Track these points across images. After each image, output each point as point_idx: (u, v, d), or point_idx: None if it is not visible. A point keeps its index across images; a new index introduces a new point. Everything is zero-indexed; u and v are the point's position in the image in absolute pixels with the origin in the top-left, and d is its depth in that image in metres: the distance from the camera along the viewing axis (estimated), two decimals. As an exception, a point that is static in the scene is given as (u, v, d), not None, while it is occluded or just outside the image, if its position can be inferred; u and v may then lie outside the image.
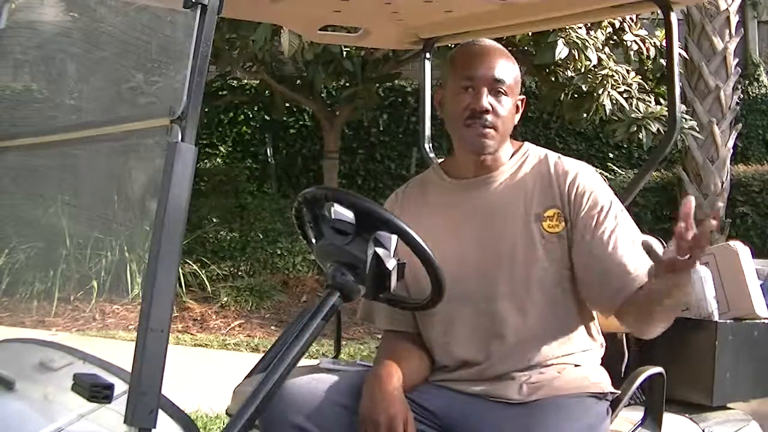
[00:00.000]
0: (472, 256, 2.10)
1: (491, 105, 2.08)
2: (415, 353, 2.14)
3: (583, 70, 7.15)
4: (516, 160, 2.17)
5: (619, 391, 2.12)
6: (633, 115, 7.16)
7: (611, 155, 11.03)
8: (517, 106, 2.16)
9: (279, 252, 8.20)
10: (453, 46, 3.12)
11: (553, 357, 2.07)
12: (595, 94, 7.19)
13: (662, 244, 2.45)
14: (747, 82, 11.77)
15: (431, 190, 2.24)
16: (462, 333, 2.09)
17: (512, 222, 2.09)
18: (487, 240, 2.10)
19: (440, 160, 2.33)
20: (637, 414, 2.21)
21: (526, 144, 2.22)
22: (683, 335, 2.54)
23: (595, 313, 2.16)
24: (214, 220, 8.45)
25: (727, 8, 9.87)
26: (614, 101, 7.18)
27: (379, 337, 2.36)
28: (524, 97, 2.20)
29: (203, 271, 7.68)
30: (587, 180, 2.11)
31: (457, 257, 2.08)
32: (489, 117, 2.08)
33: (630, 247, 2.04)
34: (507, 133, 2.15)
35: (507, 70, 2.12)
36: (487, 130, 2.09)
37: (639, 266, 2.00)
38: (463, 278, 2.07)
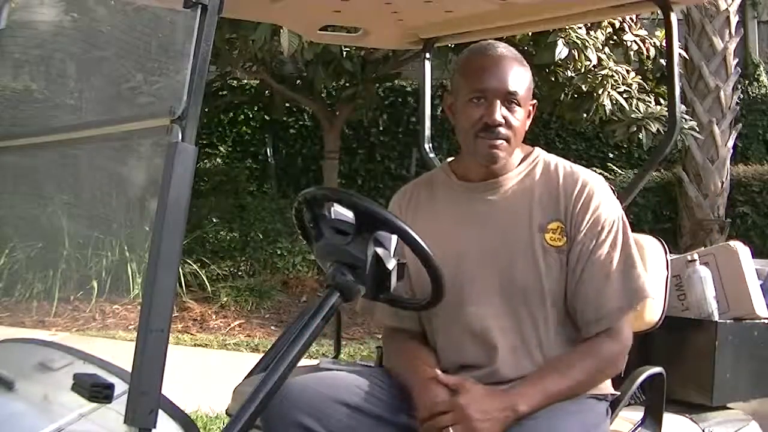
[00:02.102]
0: (473, 260, 2.09)
1: (504, 117, 2.05)
2: (426, 351, 2.13)
3: (583, 70, 7.15)
4: (525, 166, 2.15)
5: (619, 392, 2.12)
6: (633, 116, 7.17)
7: (611, 155, 11.03)
8: (529, 112, 2.13)
9: (279, 252, 8.20)
10: (453, 46, 3.12)
11: None
12: (595, 94, 7.19)
13: (662, 244, 2.46)
14: (747, 82, 11.78)
15: (440, 190, 2.22)
16: (462, 338, 2.09)
17: (515, 229, 2.08)
18: (489, 245, 2.09)
19: (449, 160, 2.30)
20: (637, 414, 2.20)
21: (537, 149, 2.19)
22: (683, 335, 2.54)
23: None
24: (214, 220, 8.45)
25: (727, 8, 9.88)
26: (614, 101, 7.19)
27: (380, 337, 2.36)
28: (535, 101, 2.17)
29: (203, 271, 7.68)
30: (593, 195, 2.08)
31: (459, 260, 2.08)
32: (502, 130, 2.06)
33: (618, 280, 2.04)
34: (518, 141, 2.12)
35: (520, 79, 2.08)
36: (500, 142, 2.06)
37: (615, 307, 2.02)
38: (465, 282, 2.07)
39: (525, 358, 2.04)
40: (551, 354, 2.05)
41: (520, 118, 2.09)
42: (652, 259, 2.37)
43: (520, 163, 2.15)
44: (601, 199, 2.09)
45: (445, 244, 2.05)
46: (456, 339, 2.09)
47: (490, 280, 2.07)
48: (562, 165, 2.15)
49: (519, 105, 2.08)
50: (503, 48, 2.13)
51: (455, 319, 2.09)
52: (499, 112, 2.05)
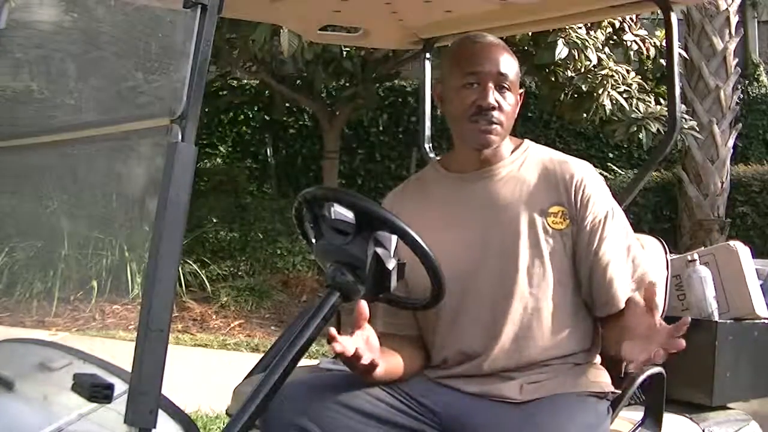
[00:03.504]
0: (473, 250, 2.09)
1: (497, 101, 2.09)
2: (405, 350, 2.11)
3: (583, 70, 7.15)
4: (517, 156, 2.18)
5: (619, 391, 2.12)
6: (633, 115, 7.16)
7: (611, 155, 11.03)
8: (517, 101, 2.16)
9: (279, 252, 8.19)
10: (453, 46, 3.12)
11: (552, 355, 2.07)
12: (595, 94, 7.19)
13: (662, 244, 2.46)
14: (747, 82, 11.78)
15: (431, 185, 2.24)
16: (464, 325, 2.09)
17: (516, 215, 2.09)
18: (490, 233, 2.09)
19: (438, 158, 2.33)
20: (637, 414, 2.20)
21: (527, 141, 2.22)
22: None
23: None
24: (214, 220, 8.45)
25: (727, 8, 9.88)
26: (614, 101, 7.18)
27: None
28: (523, 90, 2.20)
29: (203, 271, 7.68)
30: (592, 184, 2.12)
31: (457, 250, 2.08)
32: (495, 113, 2.09)
33: (623, 260, 2.09)
34: (509, 128, 2.15)
35: (510, 64, 2.13)
36: (493, 126, 2.09)
37: (626, 284, 2.07)
38: (465, 272, 2.07)
39: (527, 343, 2.05)
40: (552, 339, 2.06)
41: (512, 103, 2.12)
42: (652, 259, 2.37)
43: (511, 153, 2.18)
44: (599, 185, 2.14)
45: (442, 236, 2.05)
46: (459, 328, 2.09)
47: (493, 266, 2.08)
48: (554, 155, 2.19)
49: (510, 90, 2.11)
50: (491, 37, 2.19)
51: (459, 310, 2.09)
52: (492, 95, 2.08)
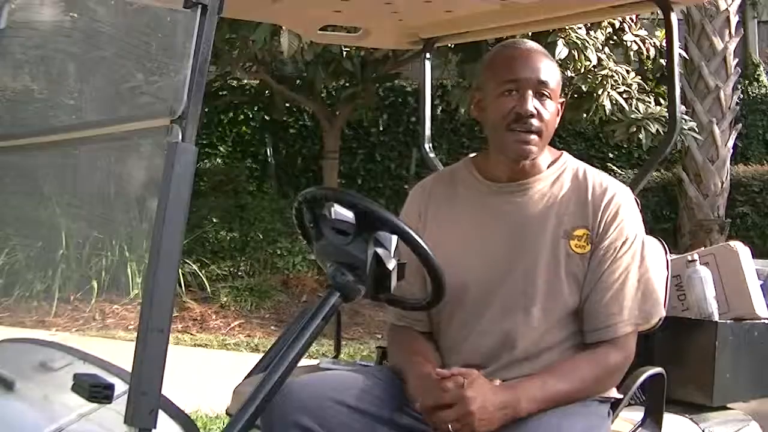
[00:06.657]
0: (495, 262, 2.07)
1: (536, 108, 2.04)
2: (430, 347, 2.12)
3: (583, 70, 7.15)
4: (554, 171, 2.13)
5: (621, 396, 2.12)
6: (633, 116, 7.17)
7: (611, 155, 11.04)
8: (558, 109, 2.12)
9: (279, 252, 8.20)
10: (453, 46, 3.12)
11: None
12: (595, 95, 7.19)
13: (662, 244, 2.46)
14: (747, 82, 11.79)
15: (462, 187, 2.19)
16: (474, 337, 2.07)
17: (540, 235, 2.06)
18: (513, 249, 2.07)
19: (472, 155, 2.27)
20: (637, 414, 2.20)
21: (565, 154, 2.18)
22: (683, 335, 2.54)
23: None
24: (214, 220, 8.46)
25: (727, 8, 9.89)
26: (614, 101, 7.19)
27: (379, 337, 2.36)
28: (564, 100, 2.15)
29: (203, 271, 7.68)
30: (620, 206, 2.07)
31: (481, 260, 2.07)
32: (534, 121, 2.04)
33: (632, 292, 2.04)
34: (549, 138, 2.10)
35: (551, 72, 2.08)
36: (532, 136, 2.04)
37: (625, 318, 2.02)
38: (485, 283, 2.06)
39: (536, 359, 2.03)
40: (561, 358, 2.04)
41: (551, 110, 2.07)
42: (652, 259, 2.36)
43: (548, 167, 2.13)
44: (628, 212, 2.08)
45: (468, 242, 2.04)
46: (469, 337, 2.08)
47: (511, 283, 2.05)
48: (591, 173, 2.13)
49: (550, 98, 2.06)
50: (532, 43, 2.14)
51: (472, 320, 2.07)
52: (532, 102, 2.03)
